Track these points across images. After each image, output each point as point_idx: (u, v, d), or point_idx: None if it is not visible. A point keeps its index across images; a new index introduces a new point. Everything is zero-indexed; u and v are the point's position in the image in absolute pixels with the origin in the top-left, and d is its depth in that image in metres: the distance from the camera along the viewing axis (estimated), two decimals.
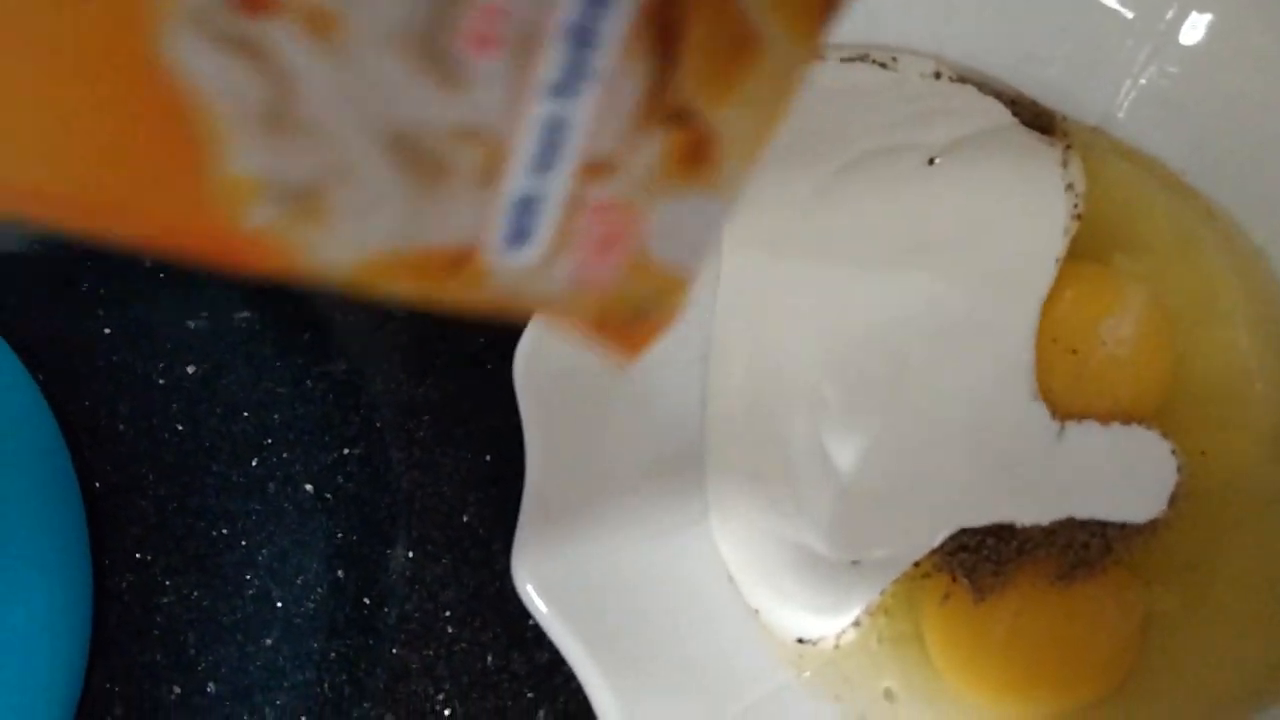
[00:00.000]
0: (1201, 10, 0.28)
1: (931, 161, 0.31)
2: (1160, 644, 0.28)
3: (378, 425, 0.34)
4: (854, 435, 0.29)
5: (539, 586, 0.27)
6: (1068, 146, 0.30)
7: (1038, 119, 0.31)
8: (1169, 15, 0.28)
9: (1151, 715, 0.28)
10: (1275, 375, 0.28)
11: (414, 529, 0.34)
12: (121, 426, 0.35)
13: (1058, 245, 0.29)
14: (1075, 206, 0.30)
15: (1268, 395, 0.28)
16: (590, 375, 0.28)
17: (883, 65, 0.30)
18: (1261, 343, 0.28)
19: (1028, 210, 0.30)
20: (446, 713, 0.33)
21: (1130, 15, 0.28)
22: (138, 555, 0.34)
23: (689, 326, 0.30)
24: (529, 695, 0.33)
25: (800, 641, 0.29)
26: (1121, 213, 0.30)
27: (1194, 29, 0.28)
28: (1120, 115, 0.30)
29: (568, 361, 0.27)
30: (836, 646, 0.29)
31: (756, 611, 0.30)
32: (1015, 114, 0.30)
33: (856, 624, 0.29)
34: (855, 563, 0.29)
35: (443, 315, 0.34)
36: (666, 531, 0.29)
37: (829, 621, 0.29)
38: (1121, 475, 0.28)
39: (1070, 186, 0.30)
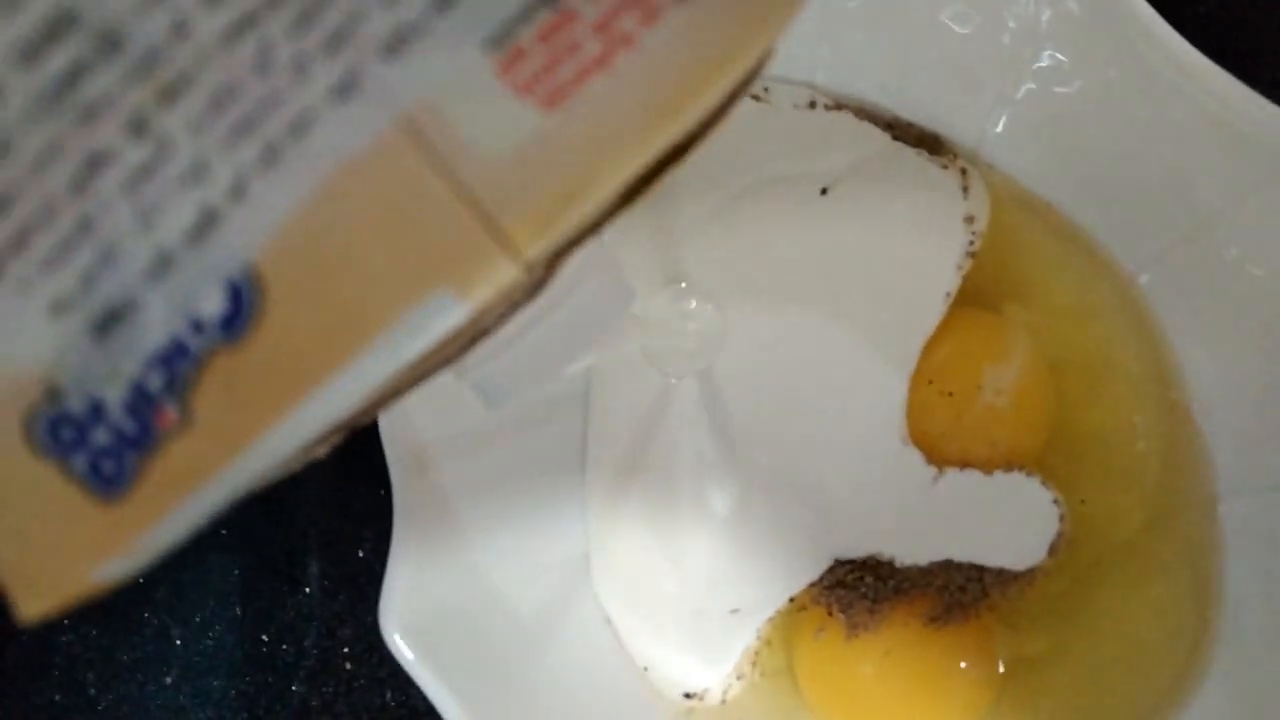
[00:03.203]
0: (1060, 44, 0.27)
1: (824, 191, 0.30)
2: (1023, 685, 0.28)
3: None
4: (731, 475, 0.28)
5: (407, 633, 0.26)
6: (964, 171, 0.30)
7: (922, 141, 0.30)
8: (1032, 41, 0.27)
9: None
10: (1157, 436, 0.28)
11: (312, 565, 0.34)
12: None
13: (949, 281, 0.29)
14: (971, 242, 0.29)
15: (1149, 455, 0.28)
16: (462, 414, 0.27)
17: (755, 98, 0.29)
18: (1145, 403, 0.28)
19: (922, 241, 0.29)
20: None
21: (1005, 40, 0.27)
22: None
23: None
24: None
25: (688, 696, 0.29)
26: (1013, 258, 0.29)
27: (1055, 55, 0.27)
28: (994, 136, 0.29)
29: (441, 399, 0.27)
30: (723, 702, 0.29)
31: (645, 669, 0.29)
32: (896, 137, 0.30)
33: (740, 677, 0.29)
34: (735, 611, 0.29)
35: None
36: (547, 572, 0.29)
37: (714, 671, 0.29)
38: (1001, 522, 0.27)
39: (970, 219, 0.29)
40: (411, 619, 0.26)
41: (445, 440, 0.27)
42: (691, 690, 0.29)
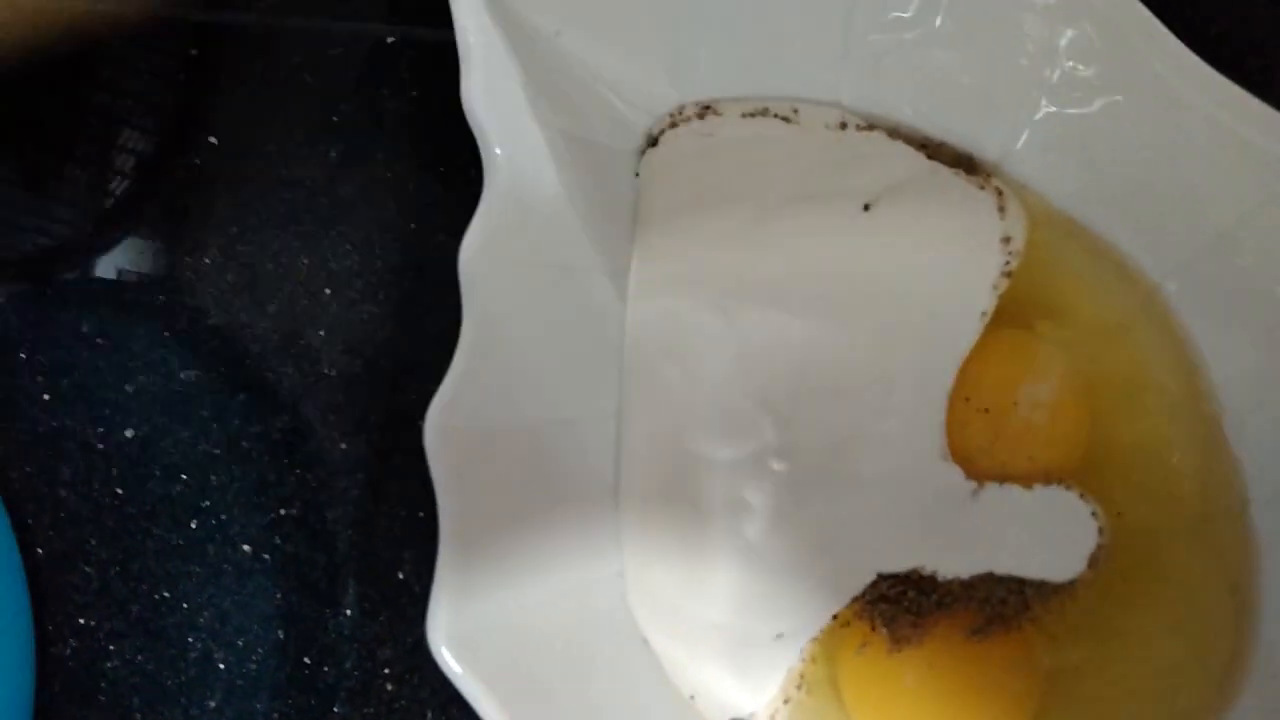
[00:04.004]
0: (1077, 64, 0.27)
1: (867, 208, 0.30)
2: (1064, 695, 0.28)
3: (312, 485, 0.34)
4: (768, 495, 0.28)
5: (454, 645, 0.26)
6: (1000, 190, 0.30)
7: (958, 160, 0.30)
8: (1051, 61, 0.28)
9: None
10: (1191, 447, 0.28)
11: (351, 587, 0.34)
12: (62, 492, 0.35)
13: (985, 301, 0.29)
14: (1008, 263, 0.29)
15: (1183, 467, 0.28)
16: (502, 436, 0.28)
17: (785, 119, 0.30)
18: (1178, 415, 0.28)
19: (960, 261, 0.30)
20: None
21: (1023, 62, 0.28)
22: (81, 620, 0.35)
23: (601, 379, 0.30)
24: None
25: None
26: (1043, 275, 0.29)
27: (1073, 75, 0.27)
28: (1016, 155, 0.29)
29: (480, 424, 0.27)
30: None
31: (692, 697, 0.30)
32: (931, 156, 0.30)
33: (787, 700, 0.29)
34: (780, 636, 0.29)
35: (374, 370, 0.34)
36: (585, 589, 0.29)
37: (760, 695, 0.29)
38: (1042, 535, 0.28)
39: (1007, 239, 0.29)
40: (458, 632, 0.26)
41: (486, 457, 0.28)
42: (738, 716, 0.29)
